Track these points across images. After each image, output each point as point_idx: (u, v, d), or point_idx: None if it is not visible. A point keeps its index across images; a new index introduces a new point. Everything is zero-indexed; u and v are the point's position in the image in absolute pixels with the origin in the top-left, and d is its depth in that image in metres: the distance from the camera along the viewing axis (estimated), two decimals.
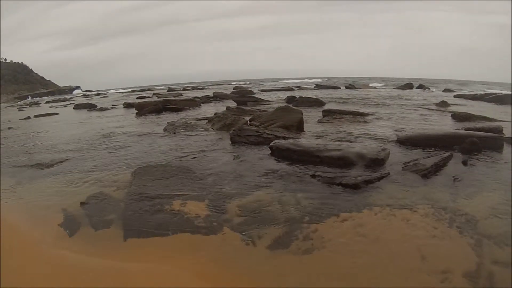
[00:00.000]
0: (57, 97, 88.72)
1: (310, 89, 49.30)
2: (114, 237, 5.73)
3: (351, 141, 10.66)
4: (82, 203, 6.99)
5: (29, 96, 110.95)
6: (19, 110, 46.93)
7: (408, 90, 42.91)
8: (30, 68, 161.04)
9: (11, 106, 71.03)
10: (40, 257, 5.24)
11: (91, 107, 35.23)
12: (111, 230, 5.99)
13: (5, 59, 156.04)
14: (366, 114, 17.04)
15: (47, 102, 67.48)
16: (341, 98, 28.99)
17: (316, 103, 23.45)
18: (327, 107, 21.10)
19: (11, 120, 30.10)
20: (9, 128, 23.31)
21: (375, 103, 24.23)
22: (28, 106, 56.32)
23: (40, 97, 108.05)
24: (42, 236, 5.91)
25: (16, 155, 12.91)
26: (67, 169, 9.99)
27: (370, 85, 56.28)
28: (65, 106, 44.40)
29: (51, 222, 6.38)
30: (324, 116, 16.41)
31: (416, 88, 45.81)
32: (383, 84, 65.26)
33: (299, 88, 51.07)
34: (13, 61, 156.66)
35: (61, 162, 10.82)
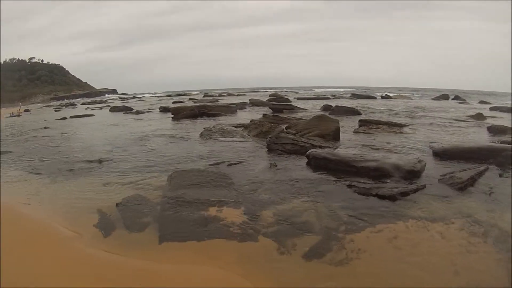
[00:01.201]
0: (93, 99, 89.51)
1: (346, 98, 49.24)
2: (149, 239, 5.83)
3: (387, 152, 10.63)
4: (117, 205, 7.15)
5: (64, 99, 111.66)
6: (55, 111, 48.32)
7: (444, 101, 42.16)
8: (66, 69, 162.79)
9: (47, 106, 72.01)
10: (74, 255, 5.38)
11: (127, 110, 35.82)
12: (146, 232, 6.10)
13: (42, 60, 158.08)
14: (402, 125, 16.90)
15: (83, 103, 68.87)
16: (377, 108, 28.90)
17: (352, 112, 23.37)
18: (363, 116, 20.92)
19: (47, 119, 31.11)
20: (45, 127, 24.00)
21: (411, 114, 24.02)
22: (64, 107, 57.44)
23: (76, 98, 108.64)
24: (77, 235, 6.06)
25: (52, 155, 13.33)
26: (103, 170, 10.24)
27: (406, 95, 55.82)
28: (101, 108, 45.10)
29: (86, 222, 6.55)
30: (360, 125, 16.39)
31: (452, 99, 44.87)
32: (417, 94, 64.44)
33: (335, 97, 50.99)
34: (50, 62, 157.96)
35: (97, 163, 11.10)
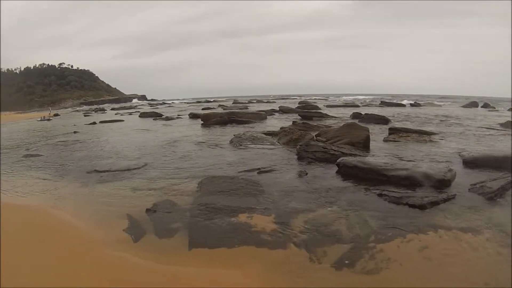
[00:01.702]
0: (122, 105, 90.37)
1: (375, 105, 48.98)
2: (179, 245, 5.85)
3: (417, 161, 10.47)
4: (147, 210, 7.23)
5: (93, 104, 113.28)
6: (85, 116, 49.01)
7: (473, 108, 41.54)
8: (96, 75, 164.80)
9: (76, 111, 72.88)
10: (104, 259, 5.46)
11: (156, 115, 36.30)
12: (175, 238, 6.13)
13: (72, 66, 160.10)
14: (432, 133, 16.72)
15: (112, 109, 69.76)
16: (407, 116, 28.71)
17: (382, 120, 23.25)
18: (392, 124, 20.78)
19: (76, 124, 31.84)
20: (75, 132, 24.51)
21: (441, 122, 23.80)
22: (93, 112, 58.33)
23: (105, 104, 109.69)
24: (107, 240, 6.14)
25: (82, 159, 13.56)
26: (133, 175, 10.38)
27: (434, 103, 55.36)
28: (131, 114, 45.84)
29: (116, 226, 6.64)
30: (390, 134, 16.31)
31: (481, 107, 44.04)
32: (446, 101, 63.63)
33: (364, 104, 51.00)
34: (79, 68, 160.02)
35: (127, 168, 11.21)
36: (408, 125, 21.14)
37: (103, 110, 67.55)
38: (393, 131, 16.68)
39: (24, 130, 31.31)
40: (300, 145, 12.09)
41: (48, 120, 44.27)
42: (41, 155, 15.15)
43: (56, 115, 58.57)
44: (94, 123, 31.96)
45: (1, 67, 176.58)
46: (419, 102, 52.32)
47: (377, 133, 17.23)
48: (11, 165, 13.29)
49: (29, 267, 5.21)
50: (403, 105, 46.83)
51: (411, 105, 48.13)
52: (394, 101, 55.62)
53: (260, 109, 36.22)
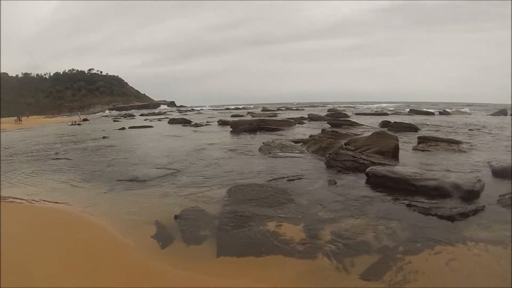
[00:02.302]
0: (151, 111, 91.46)
1: (404, 113, 48.83)
2: (207, 253, 5.87)
3: (446, 170, 10.34)
4: (176, 217, 7.28)
5: (122, 110, 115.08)
6: (114, 121, 49.92)
7: (502, 117, 40.67)
8: (125, 81, 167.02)
9: (105, 116, 73.82)
10: (131, 265, 5.53)
11: (185, 122, 36.77)
12: (203, 246, 6.14)
13: (101, 72, 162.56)
14: (461, 142, 16.52)
15: (141, 115, 71.04)
16: (435, 124, 28.45)
17: (411, 128, 23.27)
18: (421, 133, 20.78)
19: (105, 129, 32.45)
20: (104, 137, 24.94)
21: (470, 130, 23.43)
22: (122, 118, 59.44)
23: (134, 109, 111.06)
24: (134, 245, 6.21)
25: (110, 164, 13.80)
26: (162, 181, 10.46)
27: (463, 110, 54.87)
28: (160, 120, 46.46)
29: (143, 233, 6.69)
30: (419, 142, 16.16)
31: (510, 115, 42.49)
32: (475, 109, 62.86)
33: (393, 112, 50.77)
34: (109, 74, 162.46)
35: (156, 174, 11.30)
36: (437, 133, 21.04)
37: (132, 115, 69.00)
38: (422, 139, 16.54)
39: (53, 134, 32.05)
40: (329, 153, 12.05)
41: (79, 124, 45.56)
42: (70, 159, 15.49)
43: (85, 120, 59.96)
44: (123, 128, 32.57)
45: (30, 72, 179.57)
46: (448, 110, 51.78)
47: (406, 141, 17.15)
48: (40, 169, 13.58)
49: (58, 269, 5.35)
50: (432, 113, 46.47)
51: (440, 113, 47.81)
52: (423, 109, 55.26)
53: (289, 116, 36.60)
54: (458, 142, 16.50)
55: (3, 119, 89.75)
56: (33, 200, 9.17)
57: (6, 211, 8.15)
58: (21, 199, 9.28)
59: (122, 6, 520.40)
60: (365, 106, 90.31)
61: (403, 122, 25.26)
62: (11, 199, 9.27)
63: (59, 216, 7.88)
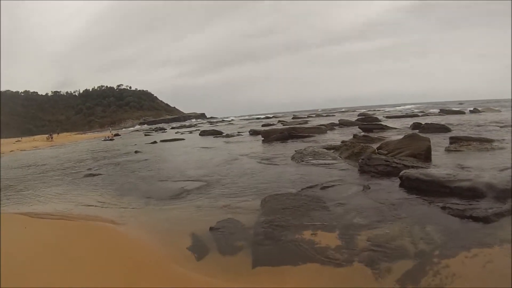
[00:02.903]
0: (182, 123, 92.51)
1: (434, 114, 48.49)
2: (242, 263, 5.89)
3: (479, 170, 10.08)
4: (211, 228, 7.33)
5: (153, 123, 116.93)
6: (145, 135, 50.95)
7: None
8: (154, 95, 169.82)
9: (136, 131, 74.85)
10: (169, 276, 5.58)
11: (217, 133, 37.07)
12: (239, 256, 6.18)
13: (130, 87, 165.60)
14: (493, 140, 16.29)
15: (172, 128, 72.08)
16: (466, 123, 28.25)
17: (442, 129, 23.14)
18: (453, 133, 20.64)
19: (137, 144, 33.21)
20: (136, 151, 25.23)
21: (501, 128, 23.03)
22: (153, 132, 60.55)
23: (165, 123, 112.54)
24: (171, 257, 6.26)
25: (143, 178, 13.95)
26: (196, 193, 10.54)
27: (495, 108, 54.22)
28: (191, 132, 47.19)
29: (180, 245, 6.75)
30: (451, 143, 16.08)
31: None
32: (504, 107, 62.24)
33: (424, 113, 50.33)
34: (138, 89, 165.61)
35: (189, 187, 11.39)
36: (469, 132, 21.01)
37: (163, 129, 70.09)
38: (454, 140, 16.45)
39: (86, 150, 33.01)
40: (362, 159, 12.05)
41: (111, 140, 46.75)
42: (103, 174, 15.77)
43: (116, 135, 61.42)
44: (155, 142, 32.97)
45: (60, 90, 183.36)
46: (478, 108, 51.36)
47: (438, 142, 16.98)
48: (74, 184, 13.94)
49: (97, 283, 5.40)
50: (463, 112, 46.20)
51: (471, 111, 47.59)
52: (454, 109, 54.88)
53: (320, 123, 36.54)
54: (490, 141, 16.33)
55: (36, 137, 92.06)
56: (68, 215, 9.34)
57: (42, 227, 8.36)
58: (55, 215, 9.45)
59: (154, 20, 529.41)
60: (400, 108, 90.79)
61: (434, 123, 25.11)
62: (46, 215, 9.43)
63: (96, 231, 8.00)
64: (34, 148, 48.90)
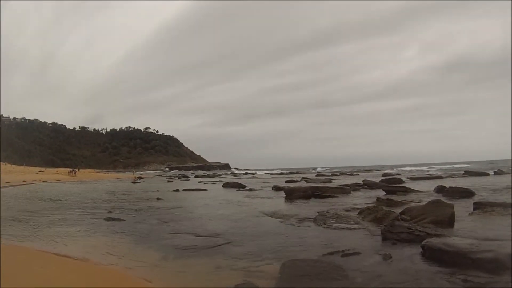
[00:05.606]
0: (205, 172, 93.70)
1: (459, 175, 48.96)
2: None
3: (502, 239, 9.74)
4: None
5: (176, 169, 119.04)
6: (168, 181, 51.86)
7: None
8: (180, 141, 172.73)
9: (160, 175, 75.36)
10: None
11: (240, 186, 37.25)
12: None
13: (157, 131, 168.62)
14: None
15: (195, 176, 74.08)
16: (491, 187, 27.96)
17: (466, 193, 22.93)
18: (477, 198, 20.58)
19: (159, 190, 33.57)
20: (158, 199, 25.34)
21: None
22: (177, 178, 61.72)
23: (189, 170, 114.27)
24: None
25: (163, 230, 13.87)
26: (215, 252, 10.43)
27: None
28: (214, 183, 47.38)
29: None
30: (474, 209, 15.96)
31: None
32: None
33: (448, 175, 50.82)
34: (165, 134, 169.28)
35: (208, 244, 11.30)
36: (494, 197, 20.93)
37: (186, 177, 70.81)
38: (477, 205, 16.36)
39: (107, 191, 33.58)
40: (384, 225, 12.07)
41: (138, 183, 47.71)
42: (124, 220, 15.76)
43: (139, 177, 62.05)
44: (178, 190, 33.21)
45: (88, 126, 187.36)
46: (503, 169, 51.72)
47: (462, 208, 16.66)
48: (93, 227, 13.96)
49: None
50: (487, 174, 46.72)
51: (495, 173, 47.91)
52: (478, 170, 54.95)
53: (344, 182, 37.25)
54: None
55: (58, 169, 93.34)
56: (83, 258, 9.37)
57: (60, 267, 8.32)
58: (69, 257, 9.40)
59: (184, 68, 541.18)
60: (425, 168, 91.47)
61: (458, 187, 25.09)
62: (65, 255, 9.46)
63: (111, 277, 7.96)
64: (56, 181, 50.39)
